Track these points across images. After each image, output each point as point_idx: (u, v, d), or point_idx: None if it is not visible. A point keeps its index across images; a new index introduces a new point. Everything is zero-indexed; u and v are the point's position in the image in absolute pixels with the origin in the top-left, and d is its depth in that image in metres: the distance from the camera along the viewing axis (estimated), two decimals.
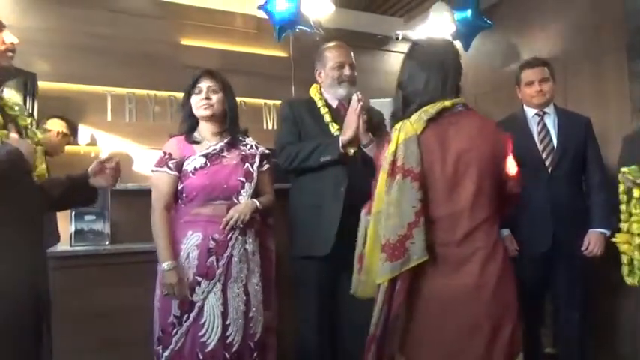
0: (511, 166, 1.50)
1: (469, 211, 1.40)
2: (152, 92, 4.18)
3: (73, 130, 3.47)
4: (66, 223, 2.35)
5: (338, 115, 2.20)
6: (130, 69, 4.08)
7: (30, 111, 3.28)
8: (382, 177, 1.45)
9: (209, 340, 1.77)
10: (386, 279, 1.38)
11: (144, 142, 3.98)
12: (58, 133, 3.32)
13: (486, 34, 4.30)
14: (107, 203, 2.35)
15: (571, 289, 2.33)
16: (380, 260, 1.39)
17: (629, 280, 1.96)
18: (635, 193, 1.92)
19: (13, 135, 1.45)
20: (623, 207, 1.98)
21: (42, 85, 3.58)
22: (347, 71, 2.20)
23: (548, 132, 2.38)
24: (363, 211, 1.57)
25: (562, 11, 3.80)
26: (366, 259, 1.47)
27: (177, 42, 4.39)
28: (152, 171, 1.91)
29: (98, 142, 4.00)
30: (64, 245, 2.32)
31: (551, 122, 2.40)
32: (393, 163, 1.41)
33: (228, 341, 1.79)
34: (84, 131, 3.94)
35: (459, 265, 1.40)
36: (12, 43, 1.51)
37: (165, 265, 1.78)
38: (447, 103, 1.45)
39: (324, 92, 2.26)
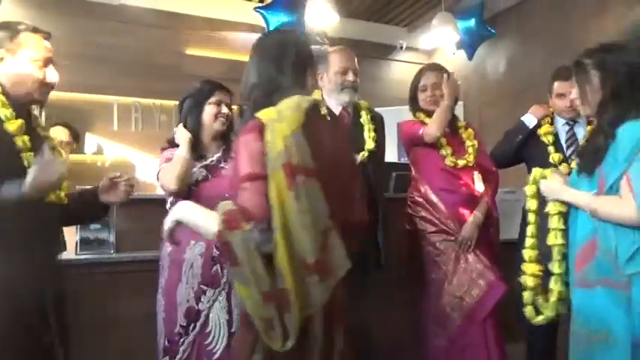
0: None
1: None
2: (158, 101, 4.22)
3: (76, 138, 3.49)
4: (71, 232, 2.36)
5: (340, 124, 2.16)
6: (136, 78, 4.12)
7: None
8: None
9: (215, 349, 1.76)
10: None
11: (150, 150, 4.01)
12: (62, 141, 3.33)
13: (490, 43, 4.32)
14: (112, 212, 2.36)
15: None
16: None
17: (539, 318, 1.72)
18: (552, 208, 1.69)
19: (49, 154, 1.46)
20: (531, 217, 1.77)
21: (49, 94, 3.61)
22: (350, 77, 2.15)
23: (575, 141, 2.32)
24: None
25: (565, 21, 3.82)
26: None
27: (182, 51, 4.43)
28: (161, 166, 1.89)
29: (105, 151, 4.03)
30: (69, 254, 2.33)
31: (582, 132, 2.33)
32: None
33: None
34: (90, 140, 3.98)
35: None
36: (51, 81, 1.57)
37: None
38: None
39: (326, 98, 2.21)
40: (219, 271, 1.81)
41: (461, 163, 2.25)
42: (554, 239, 1.67)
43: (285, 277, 1.14)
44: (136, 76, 4.11)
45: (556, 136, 2.36)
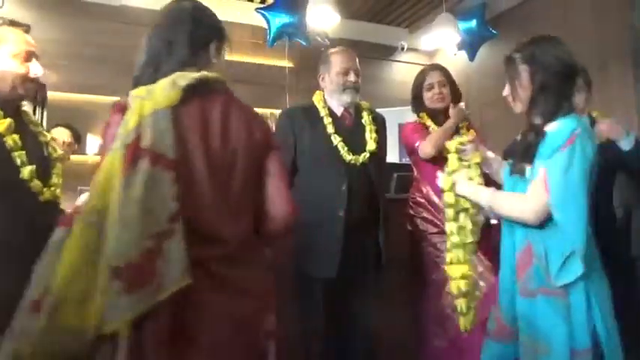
0: None
1: None
2: None
3: (78, 139, 3.50)
4: None
5: (341, 126, 2.15)
6: None
7: (39, 121, 3.32)
8: None
9: None
10: None
11: None
12: (64, 142, 3.34)
13: (491, 44, 4.31)
14: None
15: None
16: None
17: (469, 327, 1.65)
18: (464, 203, 1.60)
19: None
20: (450, 212, 1.66)
21: (51, 95, 3.62)
22: (352, 77, 2.14)
23: None
24: None
25: (566, 21, 3.81)
26: None
27: None
28: None
29: None
30: None
31: None
32: None
33: None
34: (92, 141, 3.98)
35: None
36: (35, 76, 1.52)
37: None
38: None
39: (328, 98, 2.21)
40: None
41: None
42: (464, 237, 1.62)
43: (58, 274, 0.92)
44: None
45: None
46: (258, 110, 5.28)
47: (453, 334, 2.10)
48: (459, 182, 1.59)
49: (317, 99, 2.22)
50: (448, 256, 1.65)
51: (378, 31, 5.12)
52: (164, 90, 1.07)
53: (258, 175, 1.19)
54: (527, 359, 1.43)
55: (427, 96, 2.37)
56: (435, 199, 2.25)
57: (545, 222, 1.38)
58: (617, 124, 2.11)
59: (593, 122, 2.31)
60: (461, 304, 1.62)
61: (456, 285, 1.62)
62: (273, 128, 2.18)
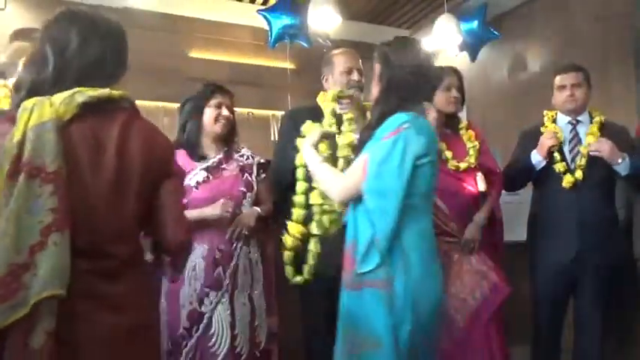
0: None
1: None
2: (161, 104, 4.23)
3: None
4: None
5: None
6: (140, 81, 4.11)
7: None
8: None
9: (219, 351, 1.77)
10: None
11: None
12: None
13: (493, 45, 4.32)
14: None
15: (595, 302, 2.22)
16: None
17: (297, 279, 1.80)
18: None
19: None
20: (300, 172, 1.79)
21: None
22: (355, 77, 2.14)
23: (579, 141, 2.29)
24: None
25: (567, 21, 3.81)
26: None
27: (185, 54, 4.45)
28: None
29: None
30: None
31: (584, 131, 2.30)
32: None
33: (236, 351, 1.80)
34: None
35: None
36: None
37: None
38: None
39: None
40: (222, 273, 1.83)
41: (463, 165, 2.24)
42: (313, 199, 1.68)
43: None
44: (139, 78, 4.07)
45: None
46: (260, 112, 5.31)
47: (457, 335, 2.09)
48: (304, 143, 1.61)
49: (321, 100, 2.20)
50: (293, 213, 1.78)
51: (379, 32, 5.11)
52: (54, 104, 1.04)
53: (153, 199, 1.18)
54: (352, 354, 1.37)
55: (442, 97, 2.22)
56: (436, 200, 2.24)
57: (360, 207, 1.40)
58: (615, 149, 2.10)
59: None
60: (287, 254, 1.80)
61: (288, 240, 1.78)
62: (277, 129, 2.17)
